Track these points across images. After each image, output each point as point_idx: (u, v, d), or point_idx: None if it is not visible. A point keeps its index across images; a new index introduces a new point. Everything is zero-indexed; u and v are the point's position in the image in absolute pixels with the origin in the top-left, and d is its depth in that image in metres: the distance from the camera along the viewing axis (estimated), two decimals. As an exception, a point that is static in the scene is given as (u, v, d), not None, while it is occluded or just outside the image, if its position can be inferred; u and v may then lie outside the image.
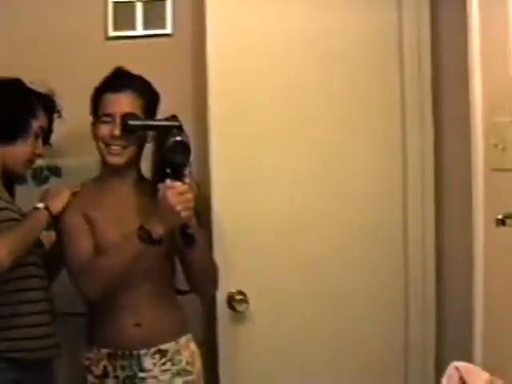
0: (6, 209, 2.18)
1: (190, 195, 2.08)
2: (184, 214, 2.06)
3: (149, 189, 2.16)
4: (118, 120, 2.20)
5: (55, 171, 2.57)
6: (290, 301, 2.64)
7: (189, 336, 2.33)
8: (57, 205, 2.22)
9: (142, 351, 2.22)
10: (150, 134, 2.24)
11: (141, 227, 2.08)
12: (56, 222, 2.24)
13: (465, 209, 2.33)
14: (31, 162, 2.33)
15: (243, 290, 2.58)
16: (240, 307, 2.58)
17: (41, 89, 2.33)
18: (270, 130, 2.63)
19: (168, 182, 2.07)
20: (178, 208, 2.04)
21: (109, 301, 2.19)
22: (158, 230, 2.07)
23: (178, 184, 2.06)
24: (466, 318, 2.29)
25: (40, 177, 2.60)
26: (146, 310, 2.23)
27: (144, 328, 2.22)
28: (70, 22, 2.70)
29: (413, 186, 2.73)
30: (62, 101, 2.38)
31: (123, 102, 2.21)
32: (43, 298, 2.23)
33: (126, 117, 2.18)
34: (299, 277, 2.65)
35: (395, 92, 2.72)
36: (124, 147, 2.22)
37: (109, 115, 2.22)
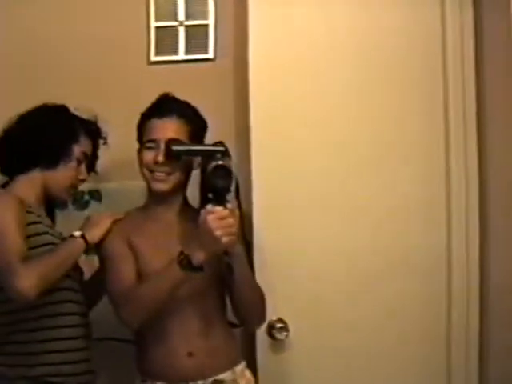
0: (46, 233, 2.18)
1: (231, 220, 2.02)
2: (225, 239, 2.00)
3: (194, 216, 2.10)
4: (162, 146, 2.18)
5: (96, 196, 2.56)
6: (330, 329, 2.60)
7: (243, 364, 2.28)
8: (95, 234, 2.19)
9: (200, 382, 2.16)
10: (196, 160, 2.20)
11: (181, 253, 2.04)
12: (98, 248, 2.23)
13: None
14: (74, 187, 2.33)
15: (283, 318, 2.54)
16: (280, 335, 2.53)
17: (85, 115, 2.35)
18: (314, 155, 2.60)
19: (209, 206, 2.03)
20: (218, 233, 1.99)
21: (158, 329, 2.16)
22: (198, 256, 2.02)
23: (218, 209, 2.01)
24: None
25: (80, 201, 2.61)
26: (198, 337, 2.18)
27: (197, 358, 2.16)
28: (113, 46, 2.72)
29: (456, 195, 2.67)
30: (107, 128, 2.39)
31: (168, 128, 2.19)
32: (80, 324, 2.22)
33: (170, 142, 2.16)
34: (340, 304, 2.60)
35: (438, 93, 2.67)
36: (168, 174, 2.19)
37: (153, 141, 2.20)
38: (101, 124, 2.38)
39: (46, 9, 2.74)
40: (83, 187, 2.56)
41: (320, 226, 2.60)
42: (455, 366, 2.67)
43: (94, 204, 2.58)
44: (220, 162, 2.05)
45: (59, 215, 2.47)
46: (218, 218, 2.00)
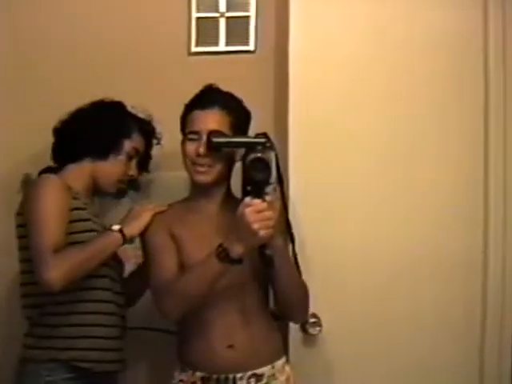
0: (89, 220, 2.22)
1: (269, 213, 1.99)
2: (262, 232, 1.98)
3: (236, 207, 2.07)
4: (204, 137, 2.17)
5: (134, 185, 2.56)
6: (363, 325, 2.57)
7: (284, 358, 2.27)
8: (134, 228, 2.20)
9: (238, 375, 2.16)
10: (239, 152, 2.18)
11: (220, 245, 2.03)
12: (142, 241, 2.23)
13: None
14: (122, 181, 2.37)
15: (316, 313, 2.53)
16: (313, 330, 2.52)
17: (140, 114, 2.41)
18: (353, 151, 2.57)
19: (247, 199, 2.00)
20: (256, 226, 1.96)
21: (199, 320, 2.16)
22: (236, 249, 2.00)
23: (256, 201, 1.99)
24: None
25: (118, 190, 2.62)
26: (239, 330, 2.17)
27: (238, 350, 2.16)
28: (154, 36, 2.73)
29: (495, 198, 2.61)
30: (161, 128, 2.43)
31: (210, 119, 2.19)
32: (115, 312, 2.24)
33: (211, 134, 2.15)
34: (373, 302, 2.58)
35: (479, 95, 2.62)
36: (210, 165, 2.19)
37: (195, 132, 2.20)
38: (155, 124, 2.44)
39: (87, 2, 2.77)
40: (122, 176, 2.60)
41: (356, 224, 2.58)
42: (488, 374, 2.62)
43: (131, 193, 2.58)
44: (258, 155, 2.03)
45: (97, 203, 2.50)
46: (255, 211, 1.97)
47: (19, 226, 2.22)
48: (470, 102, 2.63)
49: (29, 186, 2.25)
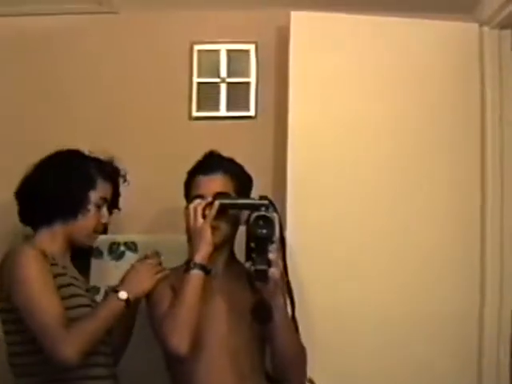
0: (71, 284, 2.15)
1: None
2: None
3: (239, 271, 2.14)
4: (209, 200, 2.20)
5: (132, 247, 2.57)
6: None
7: None
8: (138, 293, 2.15)
9: None
10: (243, 216, 2.22)
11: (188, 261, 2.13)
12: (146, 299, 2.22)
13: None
14: (97, 231, 2.28)
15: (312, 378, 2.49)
16: (309, 396, 2.50)
17: (101, 157, 2.31)
18: (354, 216, 2.60)
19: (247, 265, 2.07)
20: None
21: (195, 381, 2.15)
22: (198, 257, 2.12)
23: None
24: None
25: (116, 252, 2.63)
26: None
27: None
28: (156, 100, 2.78)
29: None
30: (124, 165, 2.34)
31: (214, 184, 2.23)
32: (107, 375, 2.19)
33: (216, 196, 2.19)
34: (373, 363, 2.56)
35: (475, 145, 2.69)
36: (215, 228, 2.20)
37: (200, 196, 2.22)
38: (117, 163, 2.33)
39: (88, 66, 2.83)
40: (119, 238, 2.61)
41: (355, 285, 2.58)
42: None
43: (129, 255, 2.59)
44: (262, 213, 2.09)
45: (94, 264, 2.50)
46: None
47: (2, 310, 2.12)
48: (465, 152, 2.68)
49: (4, 260, 2.13)
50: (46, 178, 2.20)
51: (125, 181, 2.35)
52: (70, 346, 1.97)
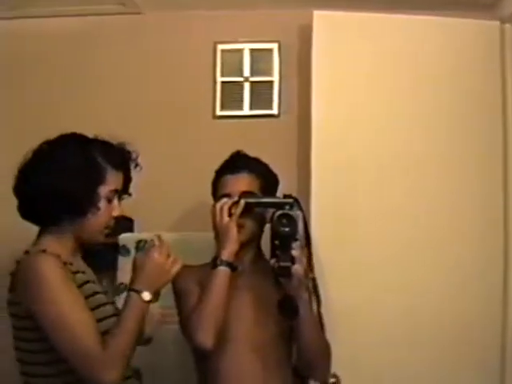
0: (97, 293, 1.98)
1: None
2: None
3: (266, 268, 2.17)
4: (235, 198, 2.23)
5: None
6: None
7: None
8: (158, 287, 1.97)
9: None
10: (269, 214, 2.22)
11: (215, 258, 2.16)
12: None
13: None
14: (108, 226, 2.04)
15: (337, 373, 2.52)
16: (332, 390, 2.53)
17: (110, 140, 2.05)
18: (377, 218, 2.62)
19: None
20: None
21: (221, 377, 2.18)
22: (224, 254, 2.15)
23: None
24: None
25: (143, 249, 2.64)
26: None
27: None
28: (180, 100, 2.81)
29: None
30: (136, 148, 2.06)
31: (240, 183, 2.26)
32: None
33: (242, 195, 2.23)
34: (396, 361, 2.58)
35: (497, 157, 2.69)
36: (241, 226, 2.23)
37: (227, 195, 2.26)
38: (129, 147, 2.06)
39: (113, 67, 2.87)
40: (146, 236, 2.63)
41: (380, 285, 2.60)
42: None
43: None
44: (284, 211, 2.12)
45: (122, 261, 2.54)
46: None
47: (16, 315, 1.90)
48: (488, 154, 2.69)
49: (19, 271, 1.89)
50: (49, 172, 1.93)
51: (136, 165, 2.08)
52: (111, 370, 1.82)
